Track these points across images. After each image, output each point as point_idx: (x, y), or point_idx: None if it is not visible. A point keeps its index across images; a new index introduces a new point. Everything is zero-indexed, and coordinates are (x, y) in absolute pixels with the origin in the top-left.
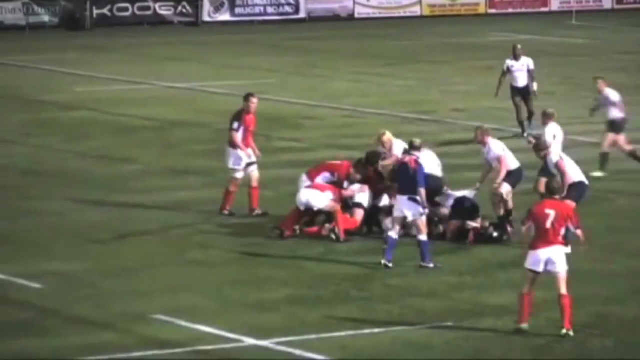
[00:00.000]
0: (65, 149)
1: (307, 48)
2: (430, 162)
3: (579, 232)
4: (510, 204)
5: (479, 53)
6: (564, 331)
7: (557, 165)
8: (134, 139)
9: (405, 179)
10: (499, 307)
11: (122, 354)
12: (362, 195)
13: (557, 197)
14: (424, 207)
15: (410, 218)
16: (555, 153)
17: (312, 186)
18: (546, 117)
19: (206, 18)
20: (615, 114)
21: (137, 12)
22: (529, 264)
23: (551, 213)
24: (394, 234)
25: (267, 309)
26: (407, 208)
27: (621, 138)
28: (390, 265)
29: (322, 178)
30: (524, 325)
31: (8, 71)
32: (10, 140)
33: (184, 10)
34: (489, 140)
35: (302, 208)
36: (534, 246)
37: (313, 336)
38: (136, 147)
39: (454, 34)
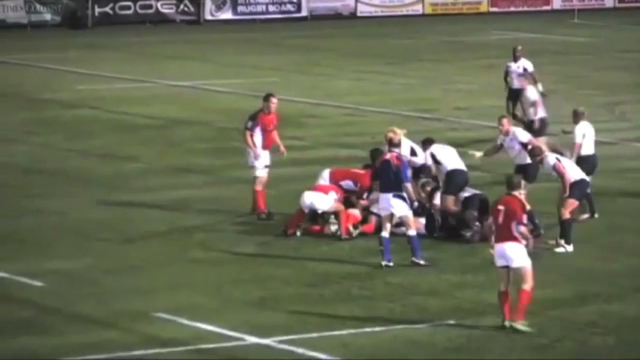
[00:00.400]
0: (67, 148)
1: (309, 46)
2: (454, 157)
3: (522, 229)
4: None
5: (480, 51)
6: (507, 323)
7: (555, 168)
8: (136, 138)
9: (389, 176)
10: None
11: (124, 353)
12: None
13: (515, 192)
14: (411, 202)
15: (398, 214)
16: (552, 156)
17: (316, 188)
18: (576, 116)
19: (208, 16)
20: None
21: (139, 11)
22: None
23: (502, 209)
24: (386, 233)
25: (268, 308)
26: (394, 205)
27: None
28: (390, 264)
29: (344, 184)
30: (507, 323)
31: (10, 69)
32: (12, 139)
33: (186, 9)
34: (513, 129)
35: (305, 210)
36: (494, 242)
37: (315, 334)
38: (138, 146)
39: (455, 32)
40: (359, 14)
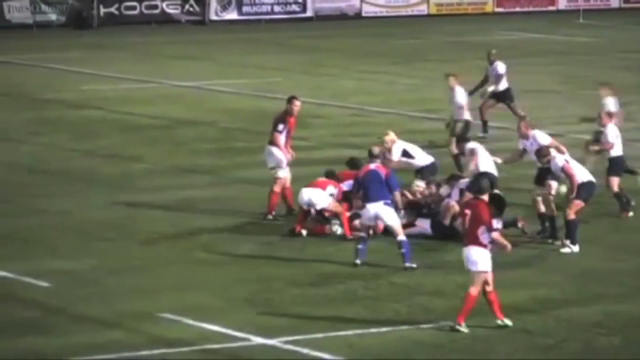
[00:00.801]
0: (71, 148)
1: (314, 47)
2: (488, 160)
3: (494, 235)
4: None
5: (485, 52)
6: (499, 322)
7: (564, 169)
8: (141, 138)
9: (378, 184)
10: (506, 306)
11: (130, 353)
12: None
13: (481, 196)
14: (398, 210)
15: (389, 223)
16: (560, 157)
17: (314, 184)
18: (607, 118)
19: (213, 17)
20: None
21: (145, 11)
22: None
23: (468, 213)
24: (365, 234)
25: (274, 308)
26: (384, 213)
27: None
28: (358, 262)
29: (346, 185)
30: (499, 321)
31: (15, 70)
32: (17, 139)
33: (191, 9)
34: (532, 132)
35: (305, 207)
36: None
37: (320, 335)
38: (143, 146)
39: (460, 32)
40: (364, 14)
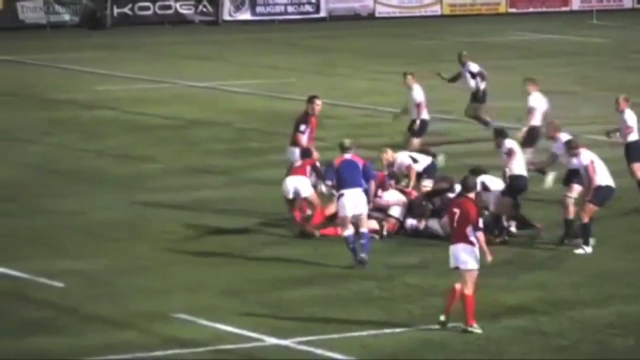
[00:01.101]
0: (82, 148)
1: (327, 47)
2: (522, 162)
3: (479, 234)
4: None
5: (499, 52)
6: (469, 328)
7: (587, 169)
8: (154, 138)
9: (355, 173)
10: (519, 307)
11: (143, 353)
12: (396, 208)
13: (470, 194)
14: (370, 201)
15: (362, 212)
16: (588, 156)
17: (296, 171)
18: (624, 102)
19: (226, 17)
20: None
21: (158, 11)
22: None
23: (457, 212)
24: (350, 231)
25: (287, 309)
26: (360, 201)
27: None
28: (364, 256)
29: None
30: (442, 317)
31: (28, 70)
32: (27, 139)
33: (205, 10)
34: (560, 135)
35: (290, 196)
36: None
37: (334, 335)
38: (155, 146)
39: (474, 33)
40: (377, 15)
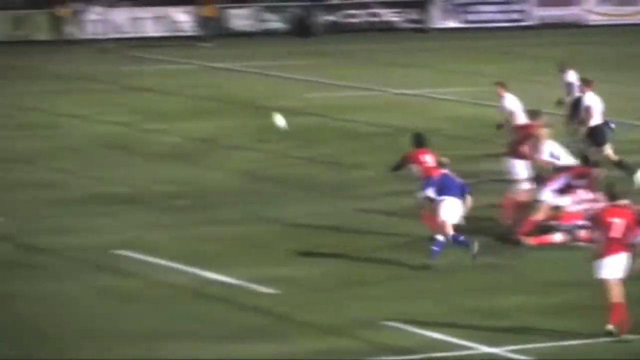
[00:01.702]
0: (297, 155)
1: (536, 55)
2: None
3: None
4: None
5: None
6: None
7: None
8: (363, 145)
9: (454, 185)
10: None
11: None
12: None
13: (620, 202)
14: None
15: (455, 220)
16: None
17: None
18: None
19: (434, 24)
20: None
21: (366, 19)
22: None
23: (618, 222)
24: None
25: (498, 317)
26: (457, 210)
27: None
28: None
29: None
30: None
31: (237, 77)
32: (243, 146)
33: (412, 17)
34: None
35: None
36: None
37: (548, 344)
38: (365, 154)
39: None
40: (590, 23)
